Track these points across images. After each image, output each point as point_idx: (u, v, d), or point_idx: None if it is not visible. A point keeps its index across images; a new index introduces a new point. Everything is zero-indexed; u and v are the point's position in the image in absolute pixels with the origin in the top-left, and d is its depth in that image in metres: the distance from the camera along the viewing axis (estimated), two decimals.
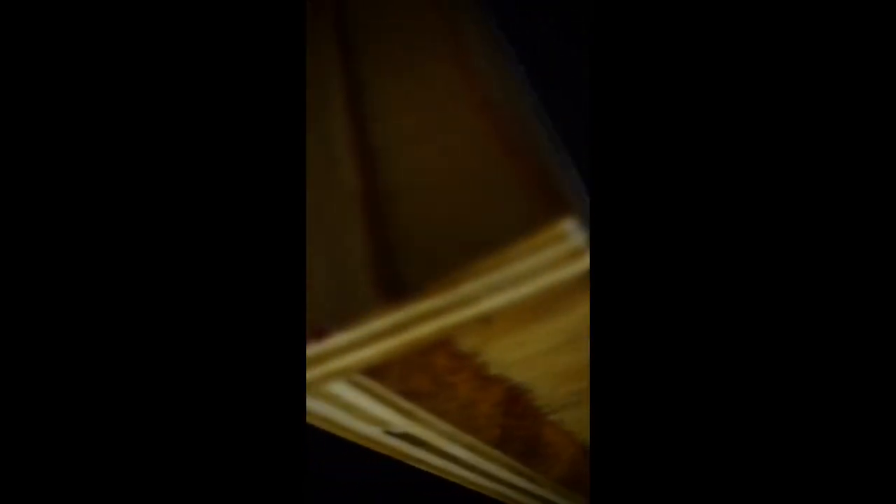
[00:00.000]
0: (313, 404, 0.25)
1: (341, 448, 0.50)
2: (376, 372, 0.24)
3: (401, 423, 0.27)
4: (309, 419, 0.26)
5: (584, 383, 0.28)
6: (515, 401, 0.28)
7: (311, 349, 0.22)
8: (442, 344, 0.23)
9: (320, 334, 0.22)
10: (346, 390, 0.24)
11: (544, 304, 0.22)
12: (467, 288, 0.21)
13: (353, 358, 0.22)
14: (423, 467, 0.32)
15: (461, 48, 0.26)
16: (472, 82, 0.24)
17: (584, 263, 0.20)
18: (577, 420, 0.31)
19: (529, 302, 0.22)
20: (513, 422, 0.29)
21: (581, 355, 0.26)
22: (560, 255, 0.20)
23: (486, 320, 0.22)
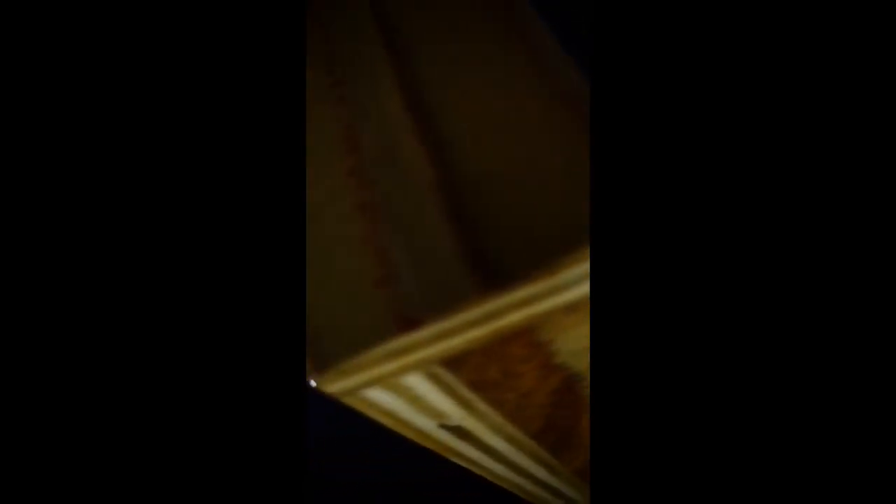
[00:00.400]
0: (380, 396, 0.25)
1: (341, 448, 0.50)
2: (455, 362, 0.24)
3: (458, 416, 0.28)
4: (369, 411, 0.26)
5: None
6: (569, 389, 0.28)
7: (401, 339, 0.22)
8: (524, 332, 0.23)
9: (412, 324, 0.22)
10: (418, 382, 0.24)
11: None
12: (563, 276, 0.21)
13: (439, 347, 0.22)
14: (457, 460, 0.33)
15: (524, 39, 0.26)
16: (543, 73, 0.25)
17: None
18: None
19: None
20: (559, 411, 0.30)
21: None
22: None
23: (571, 308, 0.23)
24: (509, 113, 0.24)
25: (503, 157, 0.23)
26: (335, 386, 0.23)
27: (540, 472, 0.37)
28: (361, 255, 0.24)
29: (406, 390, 0.25)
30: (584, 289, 0.22)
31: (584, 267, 0.21)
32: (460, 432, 0.29)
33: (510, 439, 0.31)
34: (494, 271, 0.21)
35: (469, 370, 0.24)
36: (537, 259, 0.21)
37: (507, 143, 0.24)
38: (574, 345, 0.25)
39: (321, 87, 0.29)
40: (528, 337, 0.24)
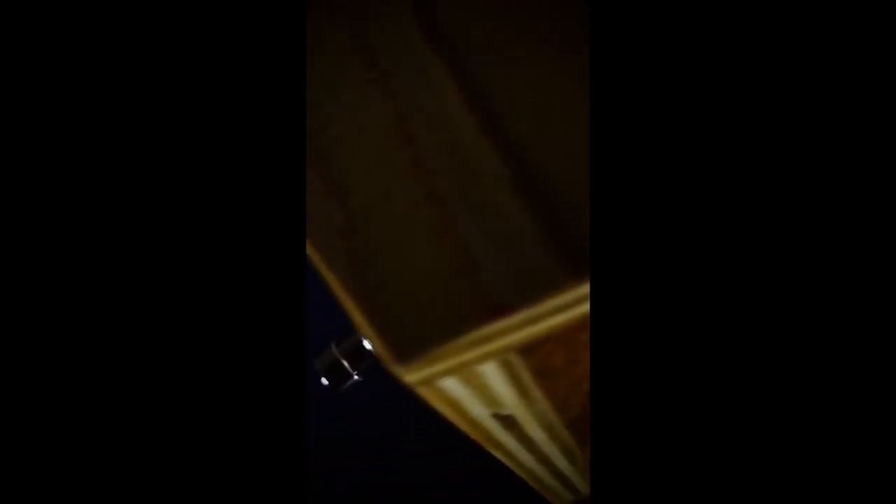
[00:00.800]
0: (452, 385, 0.25)
1: (341, 448, 0.50)
2: (530, 349, 0.24)
3: (513, 404, 0.28)
4: (435, 401, 0.26)
5: None
6: None
7: (490, 326, 0.22)
8: None
9: (504, 311, 0.22)
10: (491, 370, 0.25)
11: None
12: None
13: (523, 334, 0.23)
14: (494, 450, 0.33)
15: (574, 26, 0.27)
16: None
17: None
18: None
19: None
20: None
21: None
22: None
23: None
24: (569, 103, 0.25)
25: (572, 147, 0.24)
26: (416, 375, 0.23)
27: (560, 462, 0.38)
28: (437, 244, 0.24)
29: (476, 378, 0.25)
30: None
31: None
32: (508, 421, 0.30)
33: (548, 428, 0.32)
34: (582, 257, 0.22)
35: (539, 357, 0.25)
36: None
37: (574, 134, 0.24)
38: None
39: (362, 81, 0.29)
40: None
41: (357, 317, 0.24)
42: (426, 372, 0.23)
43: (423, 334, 0.23)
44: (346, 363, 0.40)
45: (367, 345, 0.39)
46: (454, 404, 0.26)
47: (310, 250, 0.27)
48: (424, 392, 0.25)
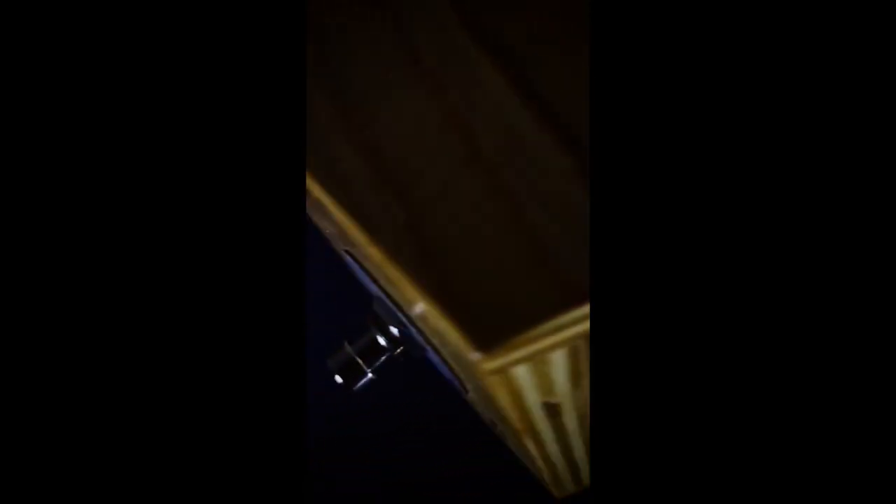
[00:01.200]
0: (522, 373, 0.25)
1: (341, 448, 0.49)
2: None
3: (563, 391, 0.29)
4: (499, 391, 0.26)
5: None
6: None
7: (572, 313, 0.23)
8: None
9: (585, 298, 0.23)
10: (558, 357, 0.25)
11: None
12: None
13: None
14: (528, 441, 0.34)
15: None
16: None
17: None
18: None
19: None
20: None
21: None
22: None
23: None
24: None
25: None
26: (495, 363, 0.24)
27: (578, 451, 0.39)
28: (509, 234, 0.25)
29: (543, 366, 0.26)
30: None
31: None
32: (553, 409, 0.30)
33: (583, 416, 0.33)
34: None
35: None
36: None
37: None
38: None
39: (408, 77, 0.30)
40: None
41: (428, 308, 0.25)
42: (504, 360, 0.24)
43: (504, 323, 0.23)
44: (360, 361, 0.40)
45: (381, 341, 0.39)
46: (516, 393, 0.27)
47: (366, 243, 0.27)
48: (494, 381, 0.25)
